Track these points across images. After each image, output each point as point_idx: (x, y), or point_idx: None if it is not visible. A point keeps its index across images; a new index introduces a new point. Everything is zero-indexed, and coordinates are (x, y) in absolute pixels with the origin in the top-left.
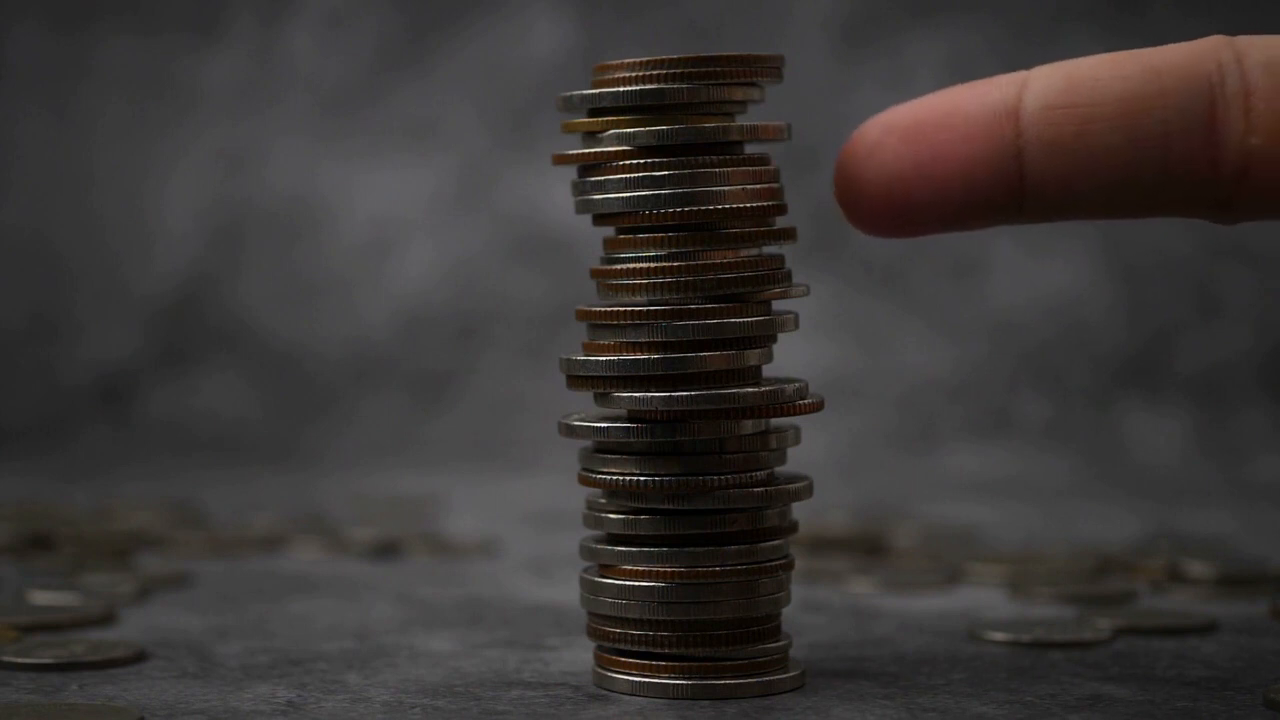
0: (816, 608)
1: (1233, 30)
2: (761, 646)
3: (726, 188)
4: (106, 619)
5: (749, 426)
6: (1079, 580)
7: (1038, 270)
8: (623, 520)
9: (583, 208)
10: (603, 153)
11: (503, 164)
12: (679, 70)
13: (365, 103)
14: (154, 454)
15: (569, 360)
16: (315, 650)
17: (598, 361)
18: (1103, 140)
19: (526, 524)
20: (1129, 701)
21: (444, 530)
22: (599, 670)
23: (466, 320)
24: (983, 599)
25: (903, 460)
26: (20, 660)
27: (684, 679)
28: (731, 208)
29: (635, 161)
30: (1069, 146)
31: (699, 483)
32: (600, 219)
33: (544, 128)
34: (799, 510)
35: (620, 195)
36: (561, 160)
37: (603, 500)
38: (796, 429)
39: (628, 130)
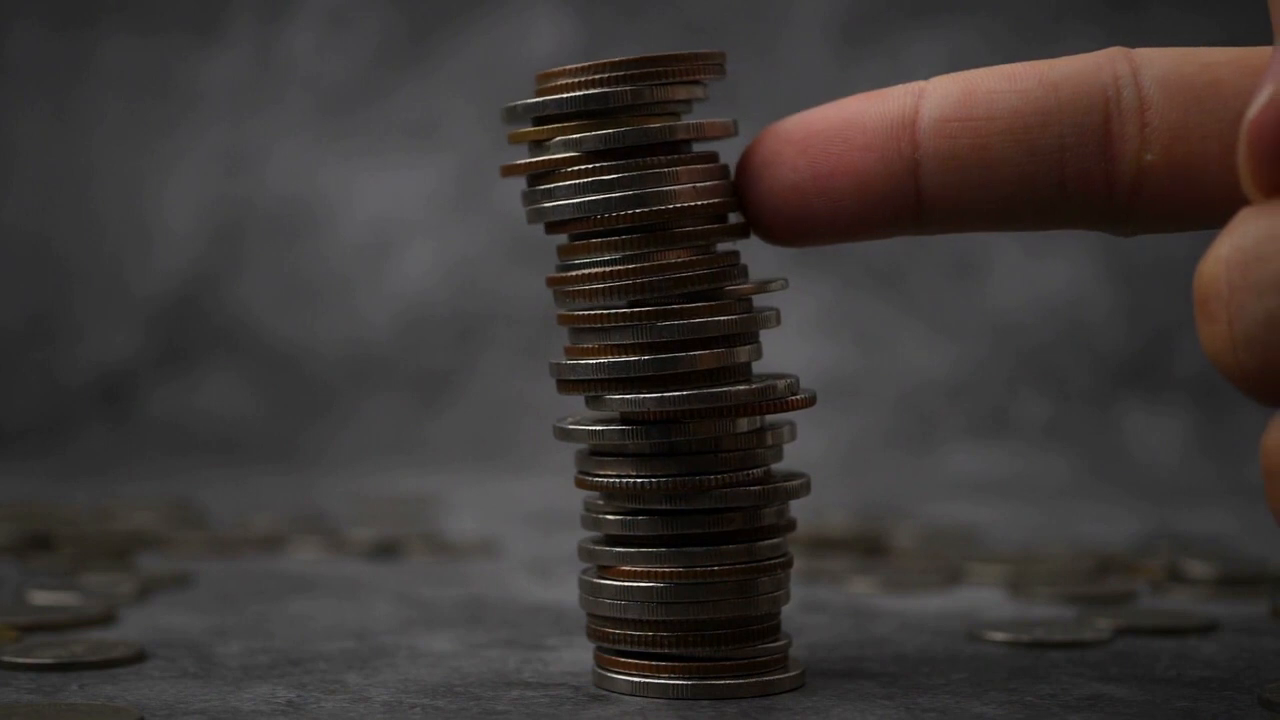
0: (816, 608)
1: (1233, 32)
2: (761, 646)
3: (677, 186)
4: (106, 619)
5: (743, 424)
6: (1079, 580)
7: (1037, 271)
8: (620, 521)
9: (534, 217)
10: (551, 160)
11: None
12: (621, 73)
13: (365, 103)
14: (154, 454)
15: (559, 365)
16: (315, 650)
17: (588, 365)
18: (999, 154)
19: (526, 524)
20: (1129, 701)
21: (444, 530)
22: (599, 670)
23: (466, 320)
24: (983, 599)
25: (902, 460)
26: (20, 660)
27: (684, 679)
28: (684, 206)
29: (584, 167)
30: (965, 160)
31: (695, 482)
32: (553, 227)
33: None
34: (797, 508)
35: (571, 201)
36: (510, 171)
37: (600, 502)
38: (792, 425)
39: (574, 136)
